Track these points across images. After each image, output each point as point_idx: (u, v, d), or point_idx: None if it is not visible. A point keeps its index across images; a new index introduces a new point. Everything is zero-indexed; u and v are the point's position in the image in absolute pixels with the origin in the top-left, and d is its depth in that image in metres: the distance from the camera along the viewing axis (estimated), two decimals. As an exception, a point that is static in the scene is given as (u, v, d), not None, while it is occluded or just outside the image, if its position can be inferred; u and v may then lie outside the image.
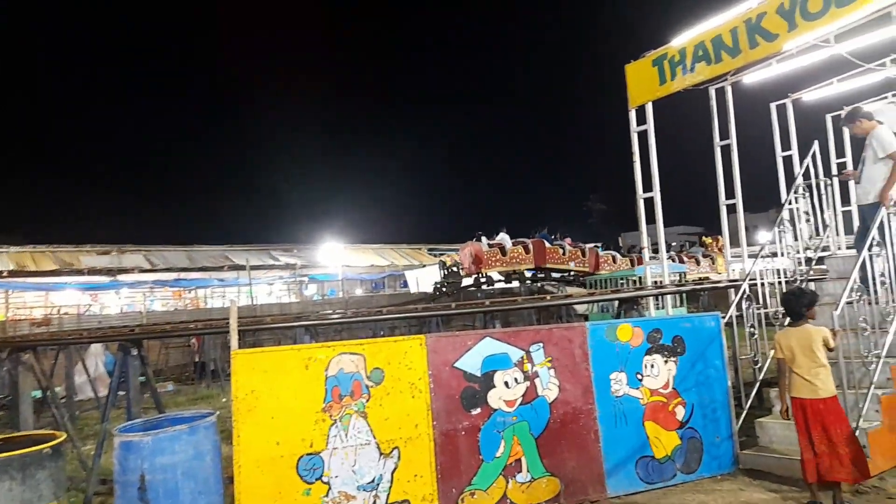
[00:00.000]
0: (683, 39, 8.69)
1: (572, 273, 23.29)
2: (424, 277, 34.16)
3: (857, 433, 5.04)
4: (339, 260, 33.03)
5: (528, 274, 22.94)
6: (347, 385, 4.86)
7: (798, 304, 4.88)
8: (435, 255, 41.74)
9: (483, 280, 22.03)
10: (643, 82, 9.31)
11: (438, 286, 24.01)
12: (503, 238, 22.76)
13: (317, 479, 4.69)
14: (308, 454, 4.70)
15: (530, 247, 22.22)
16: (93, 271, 28.51)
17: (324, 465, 4.72)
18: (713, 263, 26.51)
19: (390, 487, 4.86)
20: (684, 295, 14.63)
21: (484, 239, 22.38)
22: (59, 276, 27.92)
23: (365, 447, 4.84)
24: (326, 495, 4.70)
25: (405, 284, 35.91)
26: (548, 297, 8.21)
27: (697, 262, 26.59)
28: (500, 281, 24.18)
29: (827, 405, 4.62)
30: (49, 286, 27.58)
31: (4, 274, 26.60)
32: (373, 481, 4.82)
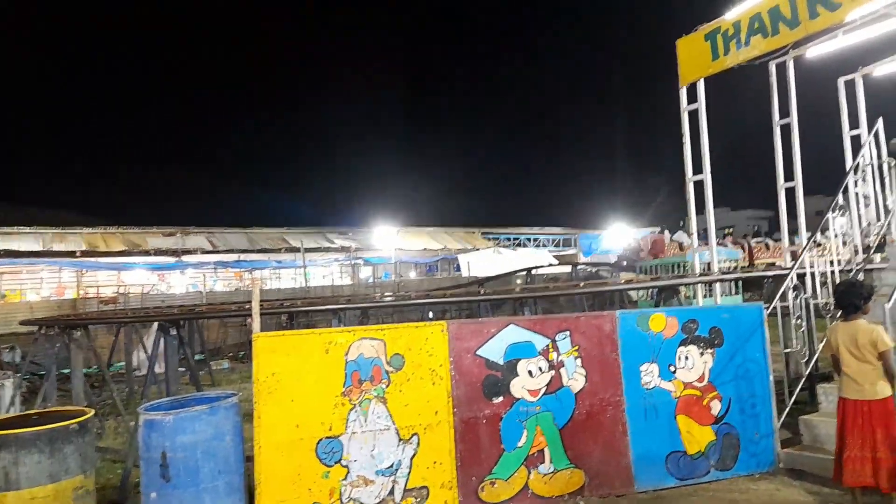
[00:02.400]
0: (738, 11, 8.18)
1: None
2: (478, 261, 34.09)
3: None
4: (392, 243, 33.31)
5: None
6: (367, 370, 4.85)
7: (851, 296, 4.50)
8: (489, 239, 41.58)
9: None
10: (695, 58, 8.85)
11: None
12: (680, 235, 26.36)
13: (335, 463, 4.72)
14: (327, 437, 4.73)
15: (744, 246, 25.24)
16: (159, 252, 29.81)
17: (343, 448, 4.74)
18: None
19: (409, 473, 4.84)
20: (740, 283, 13.99)
21: (667, 232, 26.98)
22: (129, 256, 29.30)
23: (384, 432, 4.83)
24: (345, 478, 4.73)
25: (458, 268, 35.91)
26: (582, 284, 7.96)
27: (767, 248, 25.97)
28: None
29: (873, 408, 4.27)
30: (120, 266, 29.00)
31: (77, 254, 28.11)
32: (391, 466, 4.81)
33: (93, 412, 4.64)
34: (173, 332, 6.55)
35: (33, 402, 8.00)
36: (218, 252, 31.53)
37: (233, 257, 31.42)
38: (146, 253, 29.74)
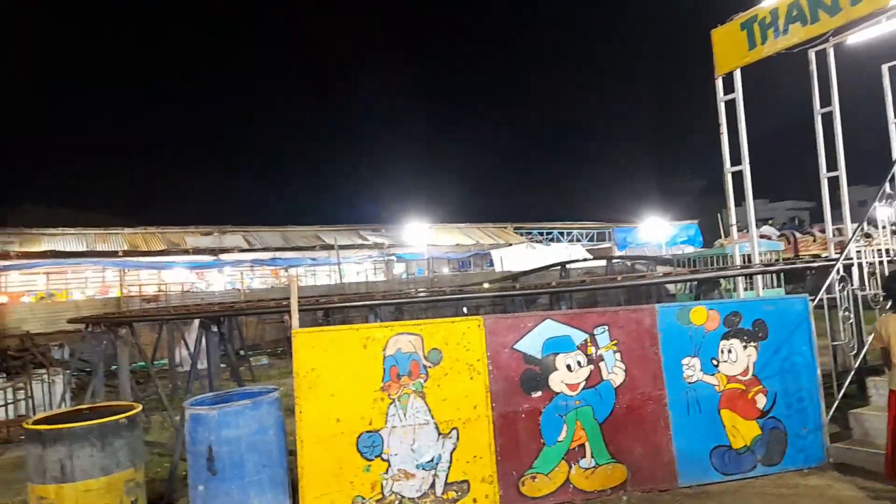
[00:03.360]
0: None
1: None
2: (510, 256, 33.97)
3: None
4: (424, 239, 33.41)
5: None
6: (405, 365, 4.89)
7: None
8: (521, 234, 41.40)
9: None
10: (731, 47, 8.65)
11: None
12: (768, 230, 26.04)
13: (376, 457, 4.77)
14: (367, 431, 4.78)
15: (790, 238, 25.05)
16: (197, 251, 30.42)
17: (383, 442, 4.79)
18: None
19: (449, 467, 4.86)
20: (782, 275, 13.66)
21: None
22: (168, 255, 29.98)
23: (423, 427, 4.86)
24: (386, 472, 4.77)
25: (491, 263, 35.83)
26: (619, 278, 7.85)
27: (814, 238, 25.38)
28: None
29: None
30: (161, 265, 29.70)
31: (119, 253, 28.89)
32: (432, 460, 4.84)
33: (140, 407, 4.77)
34: (214, 328, 6.70)
35: (82, 398, 8.25)
36: (254, 250, 32.05)
37: (268, 255, 31.88)
38: (185, 252, 30.39)
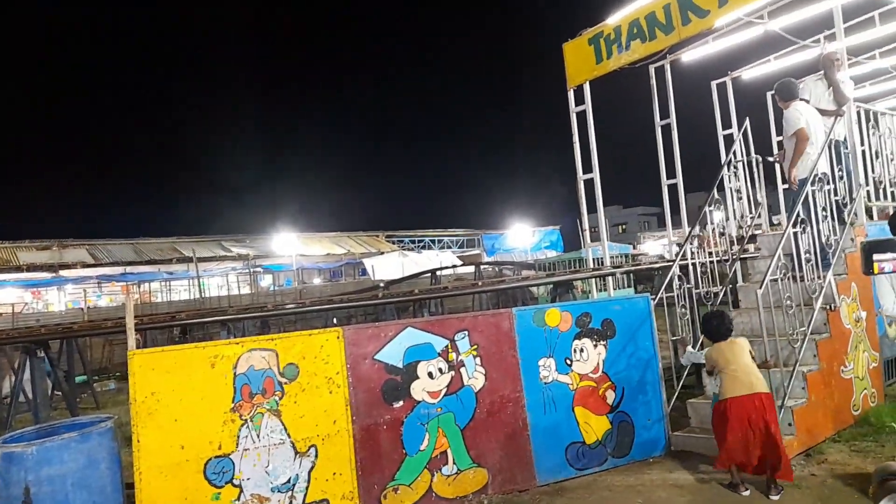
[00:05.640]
0: (618, 17, 8.55)
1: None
2: (383, 265, 33.84)
3: (782, 411, 5.03)
4: (293, 249, 32.43)
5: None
6: (259, 383, 4.60)
7: (726, 325, 4.96)
8: (393, 242, 41.45)
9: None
10: (581, 61, 9.17)
11: None
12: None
13: (227, 483, 4.43)
14: (216, 457, 4.43)
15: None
16: (32, 267, 27.35)
17: (234, 467, 4.46)
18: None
19: (307, 487, 4.63)
20: (632, 276, 14.69)
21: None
22: (-3, 273, 26.72)
23: (279, 447, 4.59)
24: (238, 499, 4.45)
25: (364, 272, 35.50)
26: (480, 283, 8.03)
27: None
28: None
29: (760, 399, 4.64)
30: (-14, 284, 26.39)
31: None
32: (288, 481, 4.58)
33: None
34: (41, 353, 5.96)
35: None
36: (101, 265, 29.40)
37: (118, 270, 29.40)
38: (17, 269, 27.21)
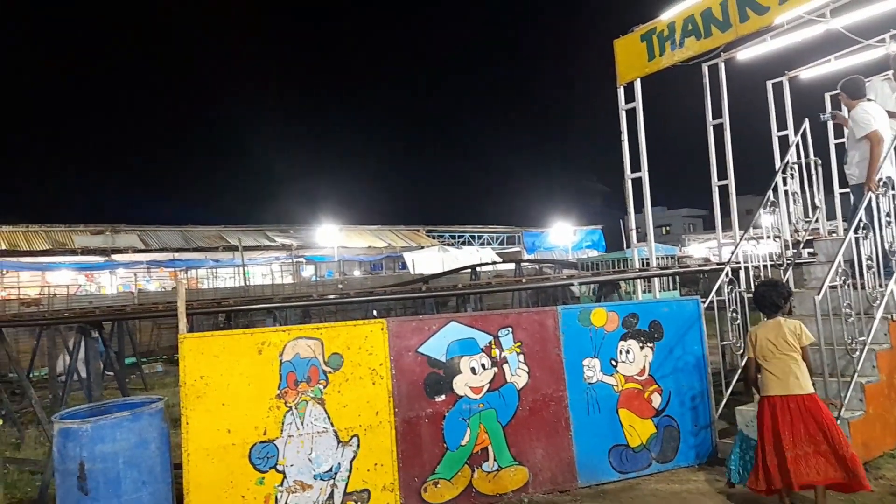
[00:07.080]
0: (672, 13, 8.36)
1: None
2: (423, 259, 33.97)
3: (839, 423, 4.82)
4: (335, 241, 32.81)
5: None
6: (304, 371, 4.66)
7: (772, 296, 4.50)
8: (433, 237, 41.54)
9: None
10: (632, 58, 9.00)
11: None
12: None
13: (270, 468, 4.51)
14: (261, 442, 4.51)
15: None
16: (86, 251, 28.34)
17: (278, 453, 4.53)
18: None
19: (349, 476, 4.67)
20: (677, 278, 14.38)
21: None
22: (53, 255, 27.77)
23: (322, 435, 4.64)
24: (281, 484, 4.52)
25: (403, 266, 35.70)
26: (524, 280, 7.95)
27: None
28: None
29: (799, 402, 4.27)
30: (44, 266, 27.46)
31: (-6, 253, 26.47)
32: (330, 470, 4.63)
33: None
34: (95, 334, 6.15)
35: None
36: (151, 251, 30.28)
37: (167, 256, 30.22)
38: (73, 252, 28.24)
